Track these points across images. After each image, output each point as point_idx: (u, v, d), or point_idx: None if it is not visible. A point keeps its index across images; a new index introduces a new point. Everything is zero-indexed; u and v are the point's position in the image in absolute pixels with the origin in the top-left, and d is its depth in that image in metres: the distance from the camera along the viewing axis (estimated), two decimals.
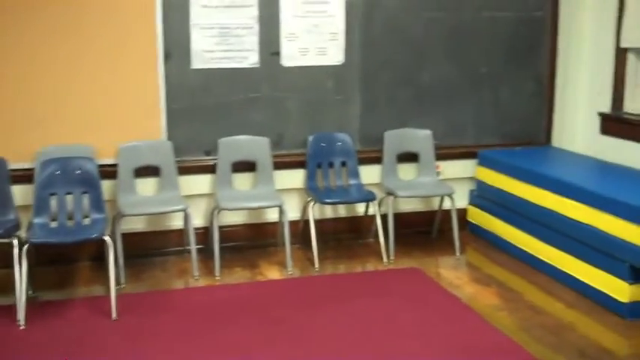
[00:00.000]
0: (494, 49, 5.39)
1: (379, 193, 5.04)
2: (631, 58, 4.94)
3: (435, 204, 5.39)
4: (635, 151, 4.81)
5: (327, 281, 4.54)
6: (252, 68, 4.95)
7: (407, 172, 5.30)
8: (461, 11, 5.27)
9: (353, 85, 5.17)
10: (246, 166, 4.96)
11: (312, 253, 4.76)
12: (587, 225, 4.20)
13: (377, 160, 5.22)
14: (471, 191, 5.46)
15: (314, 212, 4.86)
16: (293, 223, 4.96)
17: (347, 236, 5.31)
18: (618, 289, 3.93)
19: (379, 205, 4.99)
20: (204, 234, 4.96)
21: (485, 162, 5.29)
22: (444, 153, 5.34)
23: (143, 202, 4.63)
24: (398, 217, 5.12)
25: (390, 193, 4.99)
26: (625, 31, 4.91)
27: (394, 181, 5.17)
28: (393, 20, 5.16)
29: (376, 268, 4.77)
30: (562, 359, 3.47)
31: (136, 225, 4.87)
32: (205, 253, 4.88)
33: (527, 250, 4.77)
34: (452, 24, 5.27)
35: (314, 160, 5.07)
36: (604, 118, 5.14)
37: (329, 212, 5.28)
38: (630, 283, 3.87)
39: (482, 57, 5.38)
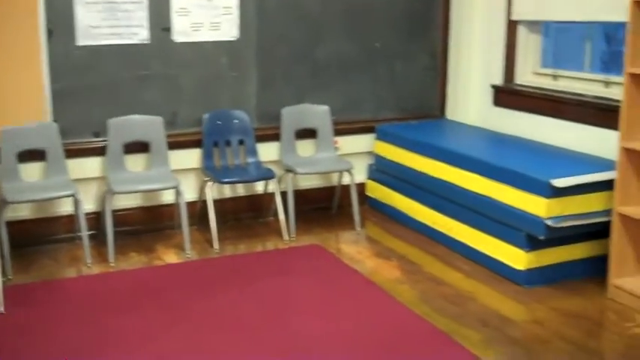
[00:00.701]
0: (389, 24, 5.39)
1: (278, 171, 4.96)
2: (521, 30, 5.05)
3: (334, 180, 5.37)
4: (527, 122, 4.93)
5: (227, 262, 4.44)
6: (143, 45, 4.73)
7: (305, 148, 5.24)
8: None
9: (249, 61, 5.04)
10: (139, 147, 4.76)
11: (210, 234, 4.64)
12: (483, 196, 4.27)
13: (275, 137, 5.13)
14: (370, 166, 5.46)
15: (212, 192, 4.73)
16: (190, 205, 4.81)
17: (247, 215, 5.21)
18: (515, 257, 4.02)
19: (278, 182, 4.91)
20: (96, 219, 4.73)
21: (382, 136, 5.30)
22: (342, 128, 5.31)
23: (29, 188, 4.37)
24: (298, 194, 5.07)
25: (289, 170, 4.92)
26: (515, 4, 5.00)
27: (293, 158, 5.10)
28: None
29: (277, 247, 4.70)
30: (464, 329, 3.51)
31: (22, 212, 4.59)
32: (98, 239, 4.66)
33: (426, 222, 4.82)
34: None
35: (210, 139, 4.92)
36: (496, 90, 5.24)
37: (227, 192, 5.16)
38: (527, 251, 3.97)
39: (378, 32, 5.37)
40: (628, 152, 3.72)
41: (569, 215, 3.88)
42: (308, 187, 5.34)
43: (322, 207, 5.38)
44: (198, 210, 4.95)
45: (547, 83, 4.92)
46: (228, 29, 4.94)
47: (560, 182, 3.81)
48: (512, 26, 5.07)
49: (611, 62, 5.10)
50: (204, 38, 4.88)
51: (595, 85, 4.55)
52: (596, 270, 4.03)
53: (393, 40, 5.42)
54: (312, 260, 4.46)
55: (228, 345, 3.36)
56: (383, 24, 5.36)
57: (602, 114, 4.33)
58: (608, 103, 4.29)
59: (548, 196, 3.83)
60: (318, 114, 5.23)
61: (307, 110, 5.22)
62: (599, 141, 4.32)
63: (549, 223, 3.82)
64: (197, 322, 3.58)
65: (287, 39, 5.12)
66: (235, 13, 4.94)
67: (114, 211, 4.50)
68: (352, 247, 4.68)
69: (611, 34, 5.18)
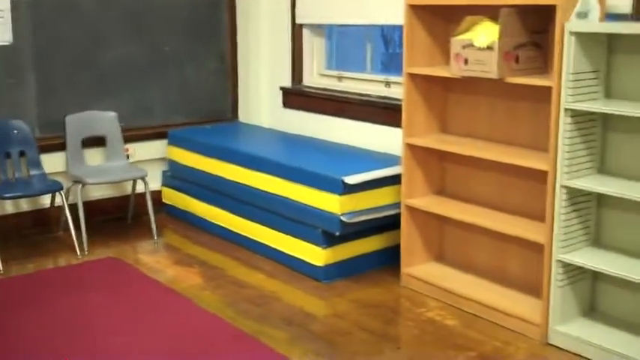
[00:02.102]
0: (176, 28, 5.31)
1: (66, 182, 4.70)
2: (306, 33, 5.20)
3: (127, 188, 5.18)
4: (316, 122, 5.09)
5: (15, 283, 4.12)
6: None
7: (94, 157, 5.01)
8: None
9: (26, 67, 4.72)
10: None
11: None
12: (279, 196, 4.34)
13: (61, 147, 4.85)
14: (164, 172, 5.34)
15: None
16: None
17: (33, 231, 4.88)
18: (313, 254, 4.13)
19: (67, 194, 4.65)
20: None
21: (175, 141, 5.20)
22: (133, 135, 5.15)
23: None
24: (89, 205, 4.84)
25: (77, 181, 4.68)
26: (299, 8, 5.14)
27: (81, 167, 4.86)
28: None
29: (70, 263, 4.45)
30: (269, 329, 3.55)
31: None
32: None
33: (225, 226, 4.80)
34: (127, 2, 5.06)
35: None
36: (285, 92, 5.36)
37: (9, 207, 4.80)
38: (324, 248, 4.09)
39: (165, 35, 5.26)
40: (411, 147, 3.96)
41: (361, 210, 4.05)
42: (100, 198, 5.12)
43: (117, 217, 5.18)
44: None
45: (332, 84, 5.11)
46: (0, 34, 4.59)
47: (351, 179, 3.97)
48: (297, 30, 5.21)
49: (389, 63, 5.44)
50: None
51: (377, 85, 4.80)
52: (389, 260, 4.25)
53: (182, 43, 5.34)
54: (108, 274, 4.27)
55: None
56: (170, 27, 5.28)
57: (385, 112, 4.57)
58: (390, 102, 4.54)
59: (340, 193, 3.97)
60: (106, 121, 5.02)
61: (94, 117, 4.99)
62: (384, 138, 4.56)
63: (343, 218, 3.97)
64: None
65: (67, 44, 4.87)
66: (7, 16, 4.60)
67: None
68: (151, 257, 4.55)
69: (388, 37, 5.52)
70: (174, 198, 5.27)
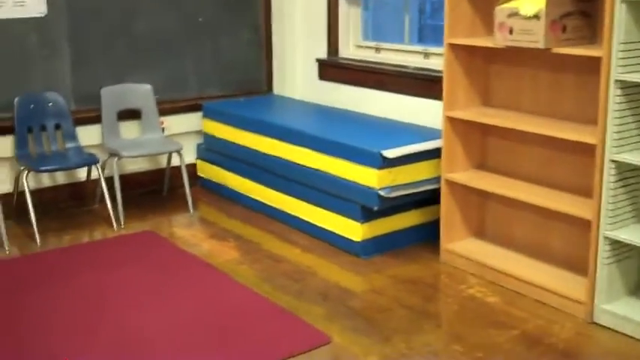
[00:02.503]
0: None
1: (102, 155, 4.69)
2: (342, 3, 5.08)
3: (162, 161, 5.16)
4: (351, 95, 4.99)
5: (52, 257, 4.13)
6: None
7: (130, 130, 4.98)
8: None
9: (60, 39, 4.69)
10: None
11: (31, 227, 4.29)
12: (315, 169, 4.27)
13: (96, 120, 4.83)
14: (199, 145, 5.30)
15: (29, 182, 4.36)
16: (5, 197, 4.42)
17: (70, 204, 4.88)
18: (351, 229, 4.07)
19: (103, 167, 4.63)
20: None
21: (210, 114, 5.15)
22: (168, 107, 5.11)
23: None
24: (124, 178, 4.83)
25: (113, 154, 4.66)
26: None
27: (117, 140, 4.84)
28: None
29: (106, 236, 4.44)
30: (306, 305, 3.50)
31: None
32: None
33: (260, 200, 4.76)
34: None
35: (23, 125, 4.54)
36: (321, 64, 5.26)
37: (46, 181, 4.80)
38: (362, 223, 4.02)
39: (199, 5, 5.19)
40: (451, 120, 3.86)
41: (400, 185, 3.97)
42: (135, 171, 5.10)
43: (152, 191, 5.17)
44: (14, 202, 4.56)
45: (369, 56, 5.00)
46: (34, 4, 4.55)
47: (390, 153, 3.89)
48: (333, 0, 5.09)
49: (428, 34, 5.31)
50: (7, 15, 4.46)
51: (415, 56, 4.68)
52: (428, 236, 4.17)
53: (214, 13, 5.26)
54: (145, 248, 4.26)
55: (62, 347, 3.11)
56: None
57: (423, 84, 4.46)
58: (429, 74, 4.43)
59: (379, 167, 3.89)
60: (141, 93, 4.98)
61: (128, 90, 4.96)
62: (422, 111, 4.46)
63: (382, 193, 3.89)
64: (22, 321, 3.29)
65: (101, 14, 4.82)
66: None
67: None
68: (186, 231, 4.53)
69: (421, 7, 5.40)
70: (209, 171, 5.24)
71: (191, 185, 4.94)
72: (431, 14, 5.66)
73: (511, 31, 3.39)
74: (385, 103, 4.75)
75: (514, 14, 3.36)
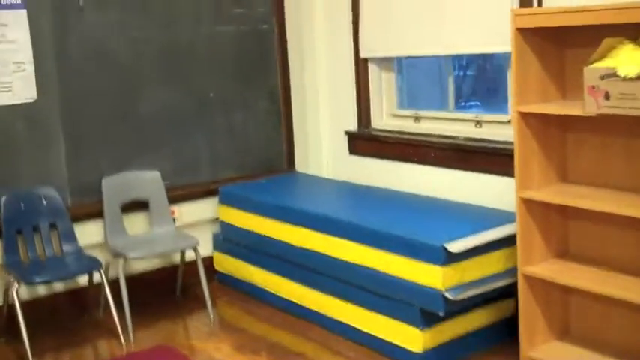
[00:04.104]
0: (221, 70, 4.63)
1: (105, 255, 4.04)
2: (373, 68, 4.49)
3: (175, 257, 4.50)
4: (389, 171, 4.38)
5: None
6: None
7: (136, 224, 4.34)
8: (175, 28, 4.44)
9: (54, 126, 4.08)
10: None
11: (23, 347, 3.62)
12: (359, 265, 3.60)
13: (97, 215, 4.19)
14: (215, 235, 4.64)
15: (20, 294, 3.70)
16: None
17: (69, 315, 4.20)
18: (409, 337, 3.37)
19: (106, 271, 3.98)
20: None
21: (227, 200, 4.51)
22: (179, 195, 4.48)
23: None
24: (132, 279, 4.16)
25: (118, 255, 4.00)
26: (364, 40, 4.44)
27: (122, 238, 4.18)
28: (94, 43, 4.18)
29: (113, 355, 3.74)
30: None
31: None
32: None
33: (293, 299, 4.06)
34: (166, 43, 4.42)
35: (12, 227, 3.90)
36: (351, 136, 4.66)
37: (41, 289, 4.14)
38: (422, 329, 3.33)
39: (208, 78, 4.59)
40: (526, 203, 3.21)
41: (469, 282, 3.29)
42: (144, 270, 4.44)
43: (163, 291, 4.49)
44: (4, 317, 3.91)
45: (407, 126, 4.40)
46: (22, 90, 3.96)
47: (455, 246, 3.22)
48: (361, 64, 4.51)
49: (474, 98, 4.73)
50: None
51: (464, 125, 4.07)
52: (502, 336, 3.51)
53: (227, 86, 4.67)
54: None
55: None
56: (213, 69, 4.60)
57: (477, 158, 3.86)
58: (485, 146, 3.81)
59: (442, 264, 3.22)
60: (148, 182, 4.35)
61: (133, 178, 4.34)
62: (479, 189, 3.84)
63: (448, 295, 3.21)
64: None
65: (98, 95, 4.22)
66: (29, 69, 3.97)
67: None
68: (208, 342, 3.83)
69: (464, 67, 4.82)
70: (228, 265, 4.56)
71: (208, 281, 4.26)
72: (464, 77, 5.08)
73: (607, 96, 2.77)
74: (430, 181, 4.13)
75: (610, 75, 2.75)
